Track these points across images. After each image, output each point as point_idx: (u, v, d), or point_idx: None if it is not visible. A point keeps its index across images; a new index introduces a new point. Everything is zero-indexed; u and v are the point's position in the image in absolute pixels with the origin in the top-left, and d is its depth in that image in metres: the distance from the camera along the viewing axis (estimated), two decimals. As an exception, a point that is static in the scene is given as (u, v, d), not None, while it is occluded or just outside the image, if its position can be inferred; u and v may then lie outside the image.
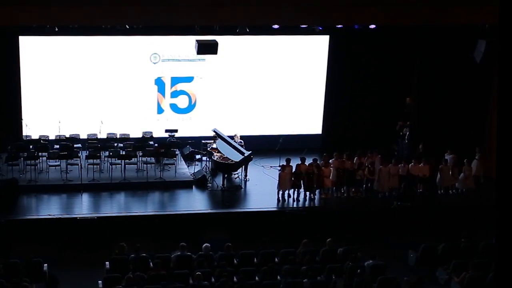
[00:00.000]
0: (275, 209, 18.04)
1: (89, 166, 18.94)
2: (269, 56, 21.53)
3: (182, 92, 21.37)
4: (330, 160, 18.73)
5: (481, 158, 19.81)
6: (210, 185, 19.25)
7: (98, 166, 19.13)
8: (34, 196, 18.19)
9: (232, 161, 19.04)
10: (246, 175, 19.66)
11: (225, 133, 20.16)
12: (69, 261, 15.67)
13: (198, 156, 20.66)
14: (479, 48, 18.05)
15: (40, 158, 19.00)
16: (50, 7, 15.70)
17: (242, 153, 19.12)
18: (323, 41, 21.62)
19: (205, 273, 13.71)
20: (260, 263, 14.60)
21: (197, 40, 18.02)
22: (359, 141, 20.52)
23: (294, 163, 18.36)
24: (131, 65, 20.82)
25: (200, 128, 21.21)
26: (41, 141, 19.58)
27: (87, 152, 19.19)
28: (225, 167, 19.14)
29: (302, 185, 18.34)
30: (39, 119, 20.34)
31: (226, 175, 19.18)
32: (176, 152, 19.86)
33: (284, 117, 21.94)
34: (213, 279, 13.81)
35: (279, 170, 18.49)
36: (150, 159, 19.45)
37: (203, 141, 20.45)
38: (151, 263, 14.33)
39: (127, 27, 19.44)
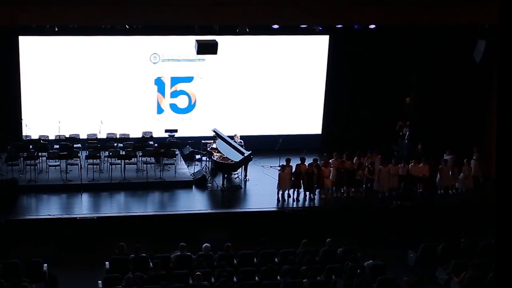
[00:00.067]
0: (275, 209, 18.03)
1: (89, 166, 18.94)
2: (269, 56, 21.52)
3: (182, 92, 21.37)
4: (330, 160, 18.73)
5: (479, 159, 19.79)
6: (210, 185, 19.25)
7: (98, 166, 19.13)
8: (34, 196, 18.18)
9: (232, 161, 19.03)
10: (246, 175, 19.65)
11: (225, 133, 20.16)
12: (69, 261, 15.65)
13: (198, 156, 20.64)
14: (479, 48, 18.05)
15: (40, 158, 19.01)
16: (50, 7, 15.71)
17: (242, 153, 19.12)
18: (323, 41, 21.62)
19: (205, 273, 13.70)
20: (260, 263, 14.58)
21: (197, 40, 18.02)
22: (359, 141, 20.49)
23: (294, 163, 18.36)
24: (131, 65, 20.82)
25: (200, 128, 21.21)
26: (41, 141, 19.57)
27: (87, 152, 19.18)
28: (225, 167, 19.14)
29: (302, 185, 18.33)
30: (39, 119, 20.34)
31: (226, 175, 19.17)
32: (176, 152, 19.85)
33: (283, 117, 21.93)
34: (213, 279, 13.80)
35: (279, 170, 18.49)
36: (150, 159, 19.45)
37: (203, 141, 20.44)
38: (150, 263, 14.32)
39: (127, 27, 19.42)
